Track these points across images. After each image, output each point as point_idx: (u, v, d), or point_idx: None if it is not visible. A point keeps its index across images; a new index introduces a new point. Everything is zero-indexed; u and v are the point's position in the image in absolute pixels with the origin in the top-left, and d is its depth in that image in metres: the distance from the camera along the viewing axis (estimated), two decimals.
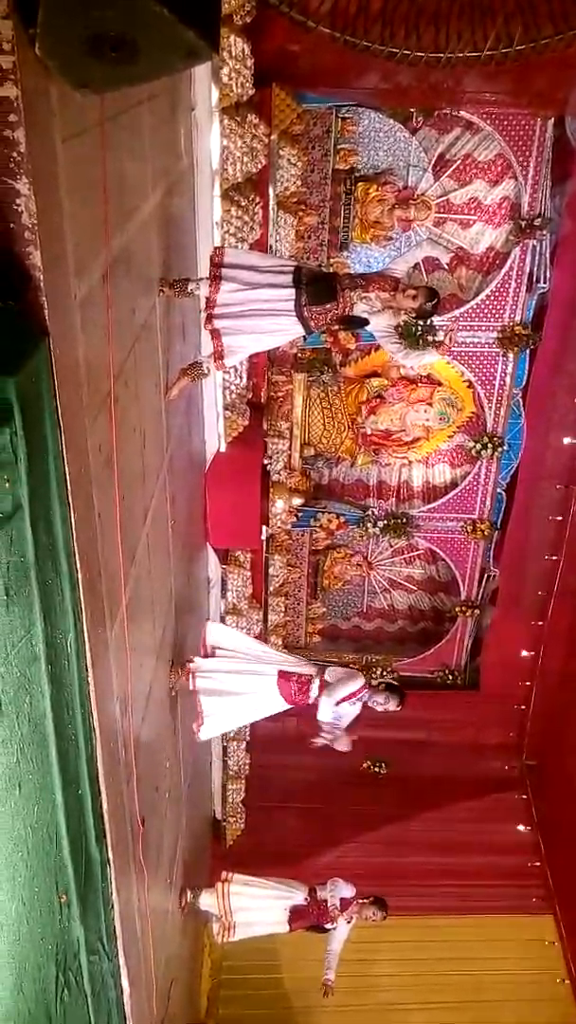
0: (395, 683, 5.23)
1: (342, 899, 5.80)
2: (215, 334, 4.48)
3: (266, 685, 5.17)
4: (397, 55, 4.84)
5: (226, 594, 7.40)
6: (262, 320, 4.42)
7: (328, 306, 4.45)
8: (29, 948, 2.68)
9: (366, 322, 4.68)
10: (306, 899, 5.87)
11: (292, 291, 4.34)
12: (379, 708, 5.08)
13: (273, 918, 6.00)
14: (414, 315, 4.77)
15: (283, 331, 4.56)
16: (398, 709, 5.10)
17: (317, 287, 4.42)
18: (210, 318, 4.45)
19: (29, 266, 2.24)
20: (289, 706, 5.21)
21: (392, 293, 4.58)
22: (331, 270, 7.21)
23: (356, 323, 4.71)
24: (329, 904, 5.78)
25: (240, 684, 5.24)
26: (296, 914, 5.91)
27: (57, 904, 2.86)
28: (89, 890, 3.10)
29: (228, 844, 8.57)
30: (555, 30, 4.69)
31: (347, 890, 5.87)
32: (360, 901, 5.83)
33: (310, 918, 5.89)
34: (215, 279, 4.39)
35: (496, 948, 8.14)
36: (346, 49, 4.88)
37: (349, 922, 5.82)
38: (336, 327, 4.86)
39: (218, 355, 4.57)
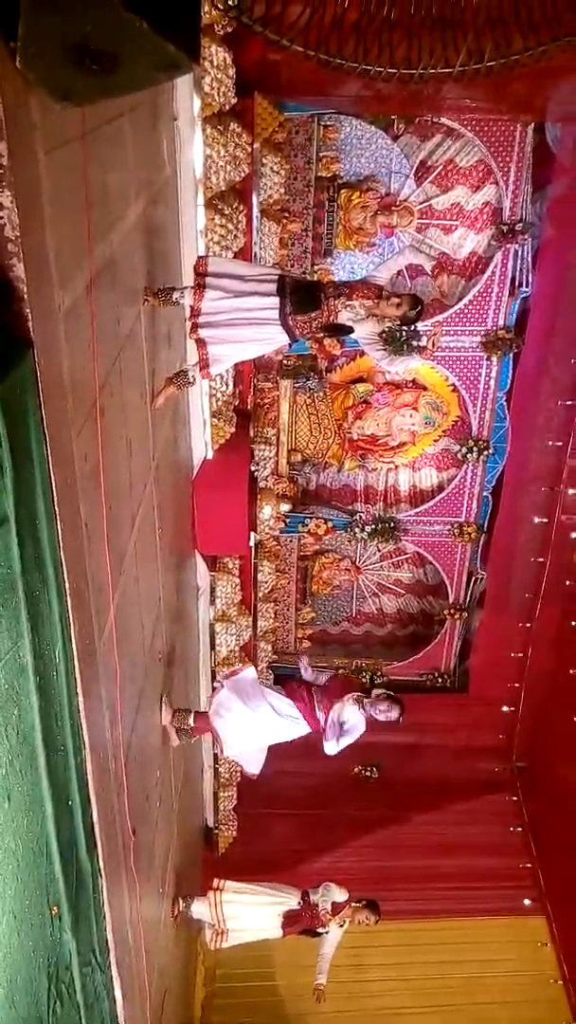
0: (394, 695, 5.39)
1: (334, 903, 5.80)
2: (200, 343, 4.49)
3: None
4: (370, 72, 4.89)
5: (215, 601, 7.40)
6: (247, 329, 4.43)
7: (312, 315, 4.47)
8: (20, 961, 2.66)
9: (351, 330, 4.71)
10: (299, 903, 5.87)
11: (276, 300, 4.35)
12: (380, 717, 5.23)
13: (266, 924, 5.99)
14: (399, 322, 4.80)
15: (268, 340, 4.57)
16: (398, 719, 5.24)
17: (301, 296, 4.44)
18: (195, 327, 4.46)
19: (12, 278, 2.24)
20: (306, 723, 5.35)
21: (376, 301, 4.60)
22: (315, 278, 7.25)
23: (341, 331, 4.73)
24: (320, 909, 5.78)
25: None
26: (289, 919, 5.91)
27: (48, 916, 2.85)
28: (81, 901, 3.09)
29: (221, 852, 8.54)
30: (524, 45, 4.73)
31: (339, 894, 5.86)
32: (353, 905, 5.83)
33: (303, 923, 5.89)
34: (199, 288, 4.41)
35: (489, 950, 8.16)
36: (321, 65, 4.93)
37: (341, 926, 5.82)
38: (321, 335, 4.89)
39: (203, 364, 4.58)
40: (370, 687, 5.53)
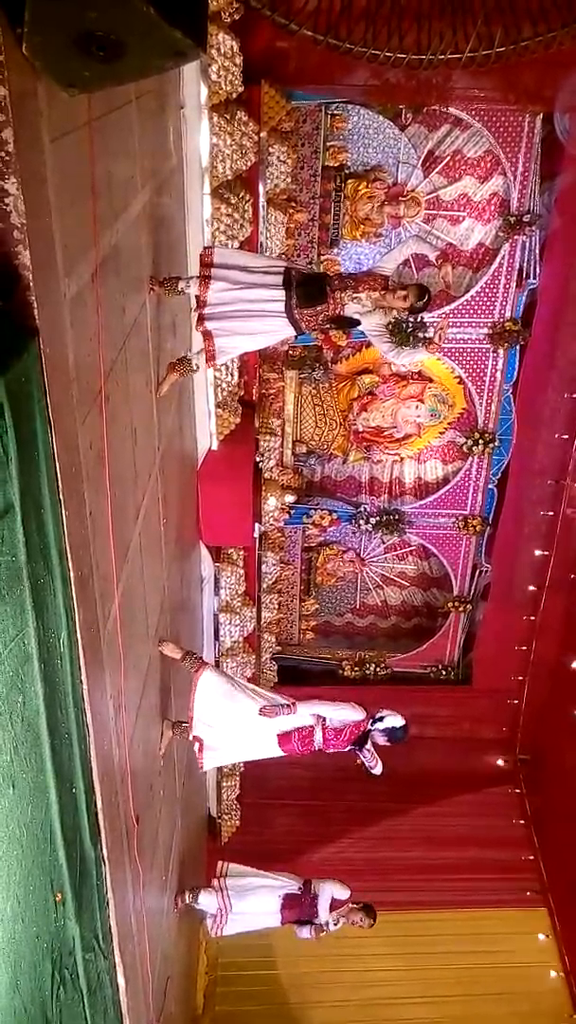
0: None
1: (333, 899, 5.80)
2: (207, 335, 4.48)
3: (266, 742, 5.12)
4: (380, 57, 4.86)
5: (219, 591, 7.41)
6: (253, 321, 4.42)
7: (319, 307, 4.45)
8: (25, 946, 2.68)
9: (357, 322, 4.69)
10: (300, 888, 5.88)
11: (282, 292, 4.34)
12: (382, 741, 5.15)
13: (266, 908, 5.98)
14: (407, 312, 4.79)
15: (274, 332, 4.56)
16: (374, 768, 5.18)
17: (307, 289, 4.42)
18: (201, 319, 4.45)
19: (18, 265, 2.24)
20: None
21: (382, 292, 4.58)
22: (321, 270, 7.22)
23: (347, 323, 4.71)
24: (312, 891, 5.78)
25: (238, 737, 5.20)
26: (289, 903, 5.90)
27: (52, 902, 2.87)
28: (84, 888, 3.11)
29: (223, 841, 8.58)
30: (534, 31, 4.70)
31: (341, 892, 5.85)
32: (351, 905, 5.82)
33: (302, 909, 5.88)
34: (205, 279, 4.39)
35: (490, 942, 8.18)
36: (331, 50, 4.90)
37: (336, 924, 5.83)
38: (327, 327, 4.87)
39: (210, 356, 4.57)
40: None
